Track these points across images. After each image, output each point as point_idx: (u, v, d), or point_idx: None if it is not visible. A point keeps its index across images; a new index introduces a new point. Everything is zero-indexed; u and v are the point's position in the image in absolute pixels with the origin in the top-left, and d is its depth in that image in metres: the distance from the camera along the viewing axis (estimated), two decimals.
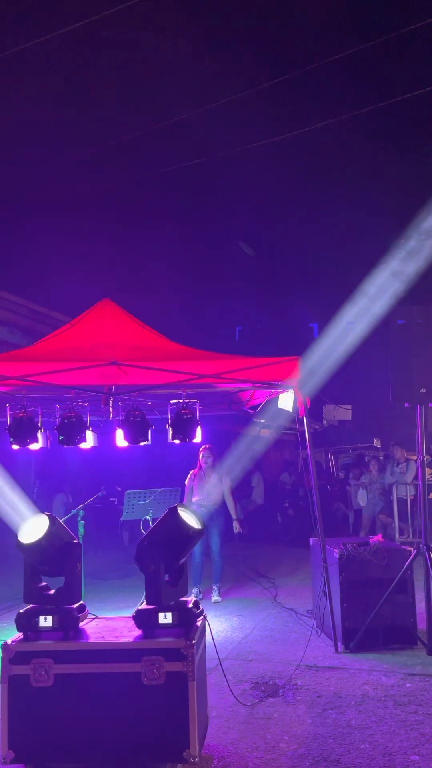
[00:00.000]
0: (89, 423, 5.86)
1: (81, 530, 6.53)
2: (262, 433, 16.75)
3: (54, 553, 3.62)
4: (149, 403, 6.77)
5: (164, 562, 3.62)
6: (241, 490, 13.35)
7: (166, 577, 3.71)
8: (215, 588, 7.43)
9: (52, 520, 3.63)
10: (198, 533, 3.71)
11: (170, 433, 5.82)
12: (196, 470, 7.65)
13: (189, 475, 7.68)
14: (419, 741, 3.71)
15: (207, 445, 7.46)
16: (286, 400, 7.27)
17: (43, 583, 3.74)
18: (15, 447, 5.59)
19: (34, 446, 5.69)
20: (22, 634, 3.56)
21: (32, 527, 3.61)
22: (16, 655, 3.41)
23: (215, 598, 7.33)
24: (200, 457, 7.63)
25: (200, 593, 7.42)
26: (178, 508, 3.69)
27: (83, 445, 5.74)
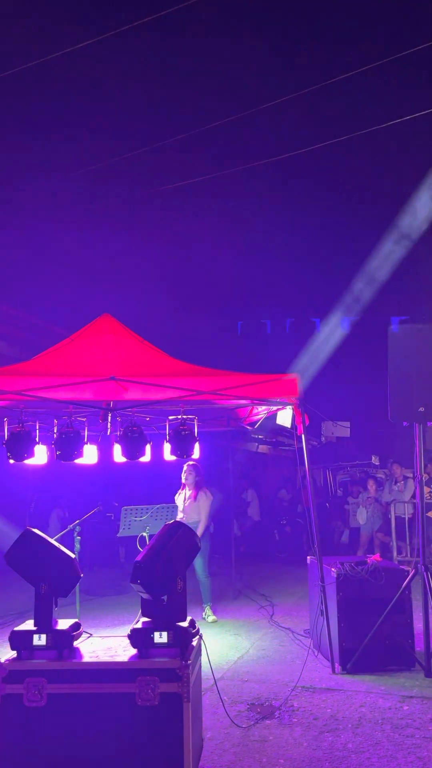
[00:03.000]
0: (87, 438, 5.85)
1: (77, 546, 6.49)
2: (260, 449, 16.71)
3: (28, 568, 3.60)
4: (147, 418, 6.76)
5: (182, 578, 3.63)
6: (237, 507, 13.29)
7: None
8: (207, 608, 7.35)
9: (26, 535, 3.62)
10: (199, 548, 3.75)
11: (168, 449, 5.81)
12: (182, 488, 7.53)
13: (177, 493, 7.57)
14: (416, 765, 3.65)
15: (190, 462, 7.31)
16: (285, 417, 7.26)
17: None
18: (11, 461, 5.57)
19: (32, 461, 5.67)
20: (15, 652, 3.52)
21: (14, 542, 3.64)
22: (9, 673, 3.37)
23: (212, 617, 7.25)
24: (183, 475, 7.49)
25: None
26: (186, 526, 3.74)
27: (81, 461, 5.72)
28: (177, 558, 3.60)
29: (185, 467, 7.45)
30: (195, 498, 7.36)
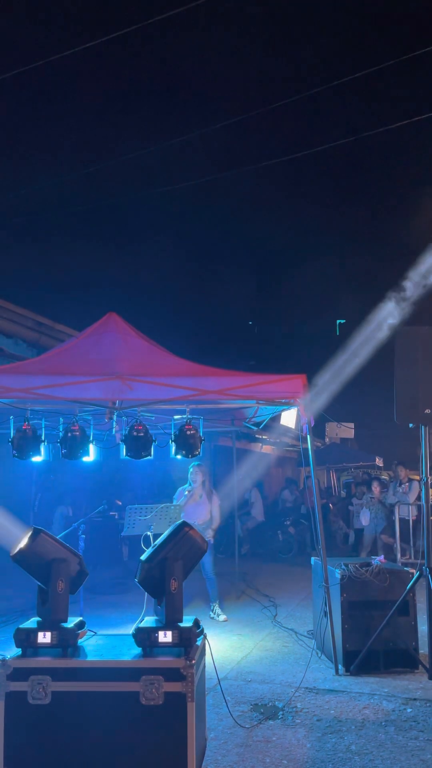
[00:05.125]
0: (92, 437, 5.85)
1: (81, 544, 6.50)
2: (264, 449, 16.71)
3: (33, 567, 3.60)
4: (153, 417, 6.76)
5: (183, 578, 3.61)
6: (241, 507, 13.28)
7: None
8: (215, 606, 7.35)
9: (35, 533, 3.62)
10: (206, 549, 3.73)
11: (173, 448, 5.80)
12: (185, 488, 7.47)
13: (177, 492, 7.49)
14: None
15: (197, 463, 7.28)
16: (289, 418, 7.25)
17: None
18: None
19: (37, 458, 5.68)
20: (20, 649, 3.52)
21: (22, 540, 3.63)
22: (14, 671, 3.36)
23: (222, 617, 7.25)
24: (189, 475, 7.43)
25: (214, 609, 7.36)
26: (189, 525, 3.72)
27: (86, 459, 5.72)
28: (174, 558, 3.58)
29: (195, 468, 7.39)
30: (209, 498, 7.36)
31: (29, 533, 3.64)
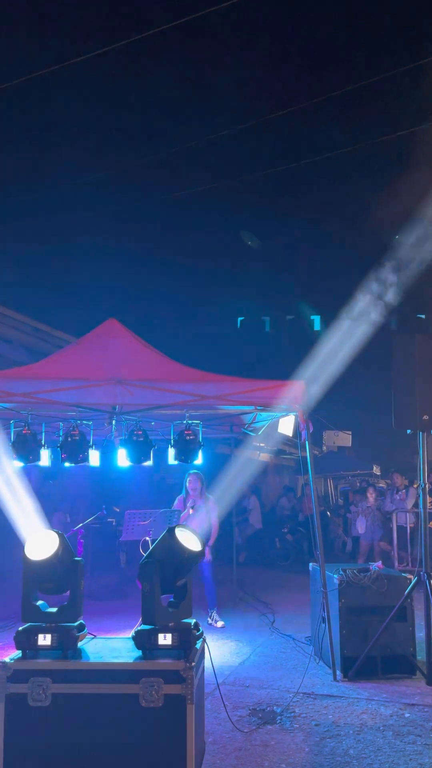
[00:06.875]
0: (92, 442, 5.88)
1: (79, 550, 6.51)
2: (261, 457, 16.72)
3: (61, 570, 3.61)
4: (152, 423, 6.79)
5: (161, 582, 3.60)
6: (237, 514, 13.28)
7: (170, 598, 3.69)
8: (213, 613, 7.35)
9: (62, 538, 3.63)
10: (198, 554, 3.68)
11: (172, 453, 5.83)
12: (183, 496, 7.41)
13: (176, 501, 7.43)
14: None
15: (194, 471, 7.22)
16: (287, 425, 7.29)
17: (41, 601, 3.72)
18: (18, 464, 5.60)
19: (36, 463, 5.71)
20: (20, 652, 3.53)
21: (40, 543, 3.60)
22: (14, 673, 3.38)
23: (219, 623, 7.24)
24: (187, 483, 7.35)
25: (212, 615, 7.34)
26: (177, 529, 3.69)
27: (87, 464, 5.75)
28: (149, 561, 3.57)
29: (192, 476, 7.30)
30: (206, 505, 7.32)
31: (55, 537, 3.60)
